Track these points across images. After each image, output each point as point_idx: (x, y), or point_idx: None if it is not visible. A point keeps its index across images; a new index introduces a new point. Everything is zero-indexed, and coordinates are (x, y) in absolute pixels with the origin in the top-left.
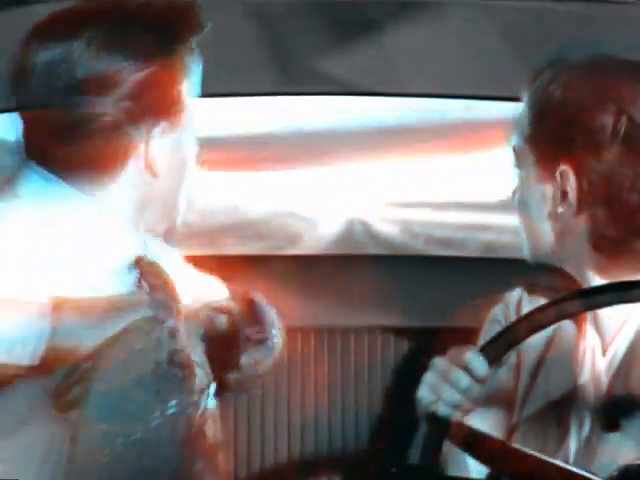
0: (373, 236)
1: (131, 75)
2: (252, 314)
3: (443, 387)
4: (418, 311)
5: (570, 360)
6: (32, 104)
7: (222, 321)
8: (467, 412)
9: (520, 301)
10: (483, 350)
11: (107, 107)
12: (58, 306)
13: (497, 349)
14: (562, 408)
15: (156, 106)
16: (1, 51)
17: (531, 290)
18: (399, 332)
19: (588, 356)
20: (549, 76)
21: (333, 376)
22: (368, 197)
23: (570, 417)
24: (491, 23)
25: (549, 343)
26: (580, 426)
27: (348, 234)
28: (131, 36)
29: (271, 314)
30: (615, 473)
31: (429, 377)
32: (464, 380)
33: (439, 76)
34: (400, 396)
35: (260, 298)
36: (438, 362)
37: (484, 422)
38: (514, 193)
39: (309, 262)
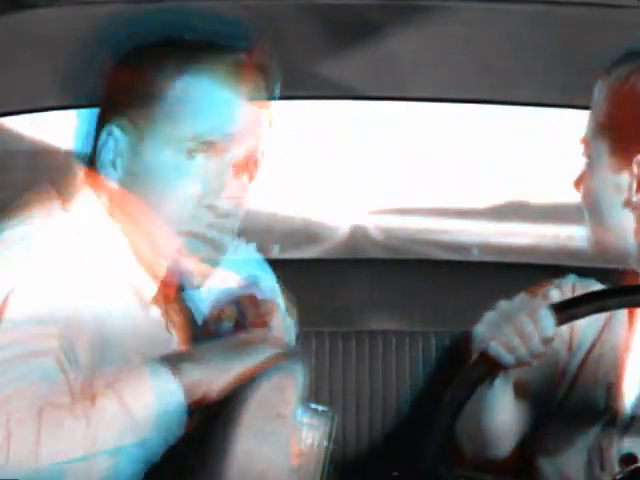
0: (376, 242)
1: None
2: (253, 311)
3: (503, 327)
4: (426, 315)
5: (620, 348)
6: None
7: (228, 326)
8: (516, 364)
9: (574, 287)
10: (554, 309)
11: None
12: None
13: (568, 313)
14: (609, 387)
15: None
16: (3, 53)
17: (583, 279)
18: (405, 335)
19: (637, 340)
20: (630, 68)
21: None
22: (373, 203)
23: (617, 399)
24: (492, 27)
25: (603, 327)
26: (628, 408)
27: (354, 239)
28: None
29: (268, 305)
30: (619, 476)
31: (490, 315)
32: (529, 327)
33: (441, 80)
34: (408, 400)
35: (260, 293)
36: (503, 304)
37: (532, 383)
38: (578, 183)
39: (317, 266)
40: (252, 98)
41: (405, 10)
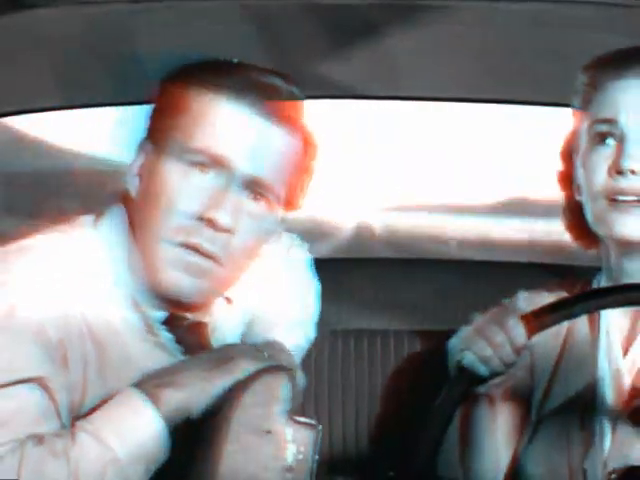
0: (386, 239)
1: None
2: None
3: (475, 339)
4: (426, 314)
5: (587, 362)
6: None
7: None
8: (492, 375)
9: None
10: (524, 319)
11: None
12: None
13: (539, 323)
14: (584, 409)
15: None
16: (4, 54)
17: (534, 293)
18: (404, 335)
19: (606, 357)
20: None
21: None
22: (380, 200)
23: (593, 417)
24: (492, 27)
25: (563, 345)
26: (608, 425)
27: (362, 237)
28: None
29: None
30: (614, 476)
31: (464, 330)
32: (499, 337)
33: (441, 80)
34: (408, 399)
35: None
36: (477, 318)
37: (501, 418)
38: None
39: (317, 265)
40: (271, 122)
41: (405, 10)
